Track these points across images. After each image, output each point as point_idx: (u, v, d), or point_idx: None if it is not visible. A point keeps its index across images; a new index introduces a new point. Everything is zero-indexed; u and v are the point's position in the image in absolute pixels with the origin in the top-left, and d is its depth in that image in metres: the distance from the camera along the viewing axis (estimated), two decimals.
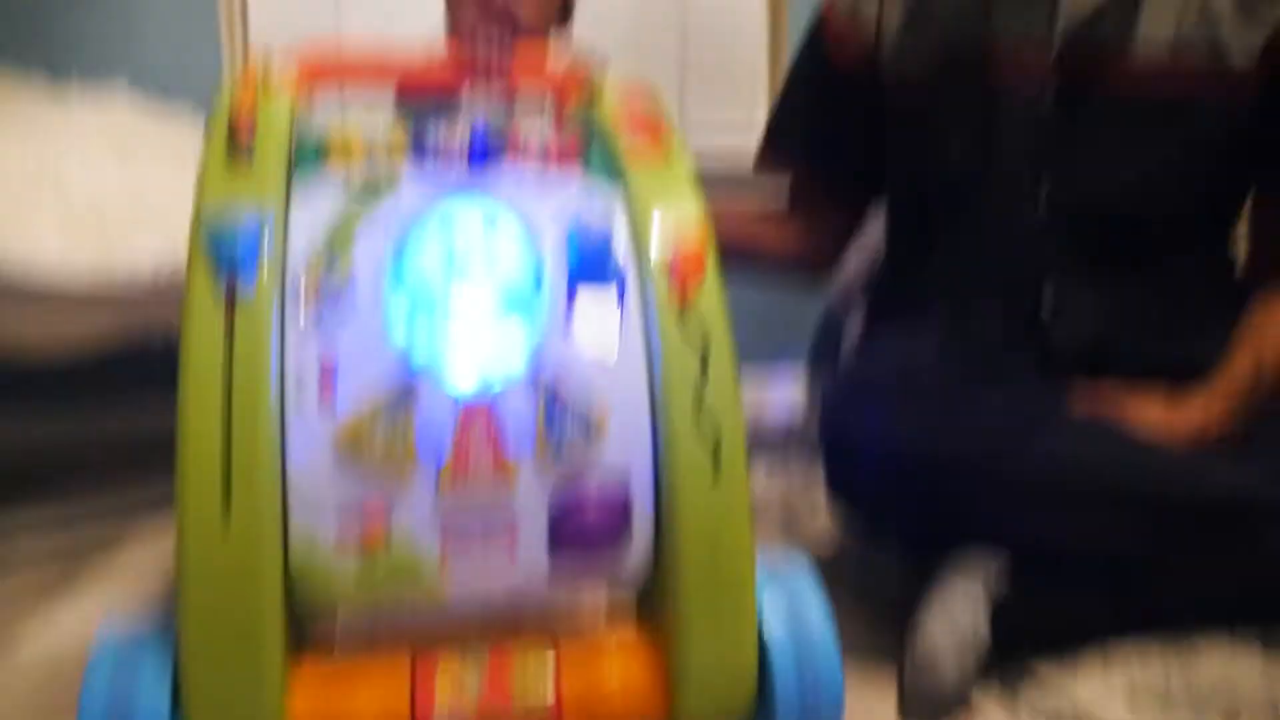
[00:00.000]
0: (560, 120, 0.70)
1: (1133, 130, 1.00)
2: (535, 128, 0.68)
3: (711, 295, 0.61)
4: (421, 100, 1.02)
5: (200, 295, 0.57)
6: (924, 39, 1.09)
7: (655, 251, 0.62)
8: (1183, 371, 0.97)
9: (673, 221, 0.63)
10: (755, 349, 2.08)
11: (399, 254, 0.59)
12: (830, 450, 0.94)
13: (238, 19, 2.07)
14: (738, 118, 2.20)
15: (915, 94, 1.10)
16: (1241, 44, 0.98)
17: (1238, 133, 1.00)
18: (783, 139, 1.24)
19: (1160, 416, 0.92)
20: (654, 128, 0.68)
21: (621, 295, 0.62)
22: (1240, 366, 0.97)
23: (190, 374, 0.56)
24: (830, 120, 1.19)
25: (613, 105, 0.70)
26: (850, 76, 1.15)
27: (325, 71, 0.87)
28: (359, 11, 2.07)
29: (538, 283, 0.60)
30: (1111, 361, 0.99)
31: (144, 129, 1.84)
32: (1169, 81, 0.99)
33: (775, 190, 1.26)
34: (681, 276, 0.61)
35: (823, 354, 1.78)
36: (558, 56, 1.08)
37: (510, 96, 1.00)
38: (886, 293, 1.23)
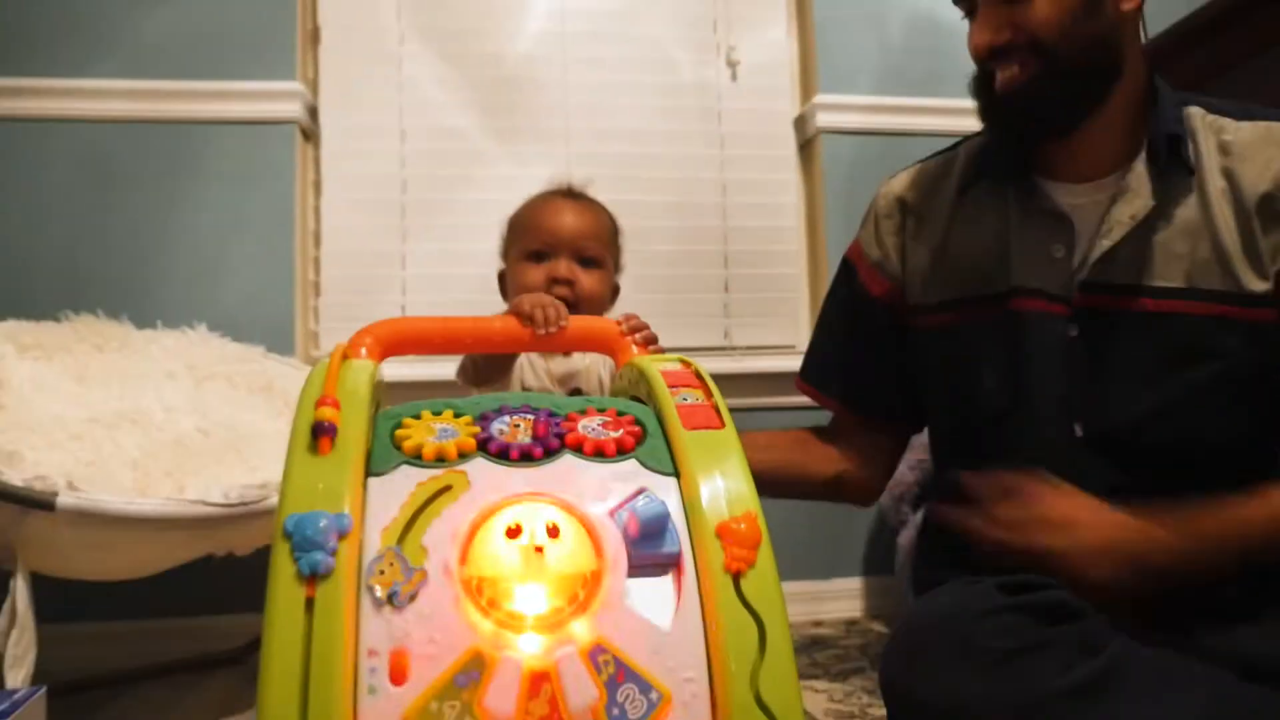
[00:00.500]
0: (614, 412, 0.73)
1: (1158, 362, 1.01)
2: (594, 417, 0.72)
3: (766, 569, 0.63)
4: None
5: (283, 577, 0.59)
6: (948, 283, 1.14)
7: (709, 528, 0.64)
8: (1243, 589, 0.94)
9: (725, 497, 0.65)
10: (809, 563, 2.09)
11: (468, 547, 0.62)
12: (891, 706, 0.92)
13: (311, 267, 2.20)
14: (780, 340, 2.26)
15: (943, 332, 1.14)
16: (1253, 273, 1.00)
17: (1265, 361, 1.00)
18: (819, 371, 1.28)
19: (1070, 512, 0.90)
20: (703, 411, 0.71)
21: (680, 575, 0.63)
22: (1233, 517, 0.93)
23: (272, 653, 0.58)
24: (865, 354, 1.23)
25: (661, 388, 0.74)
26: (882, 312, 1.20)
27: (399, 341, 0.94)
28: (421, 263, 2.19)
29: (598, 567, 0.62)
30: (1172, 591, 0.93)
31: (219, 369, 1.94)
32: (1187, 315, 1.01)
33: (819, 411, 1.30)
34: (735, 552, 0.63)
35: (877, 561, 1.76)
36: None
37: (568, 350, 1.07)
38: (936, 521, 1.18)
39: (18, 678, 1.29)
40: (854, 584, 2.23)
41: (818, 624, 2.14)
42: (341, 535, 0.61)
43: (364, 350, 0.89)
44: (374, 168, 2.21)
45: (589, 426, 0.70)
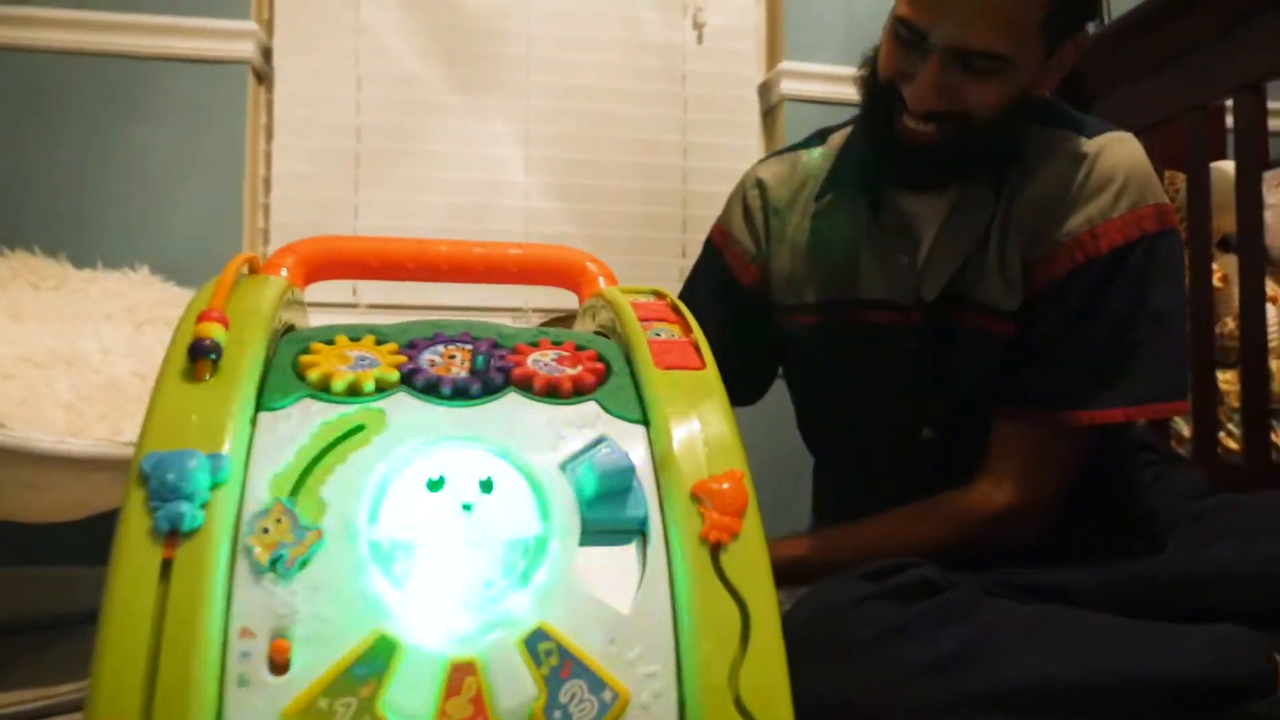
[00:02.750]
0: (572, 345, 0.57)
1: (983, 373, 1.00)
2: (547, 350, 0.55)
3: (753, 541, 0.47)
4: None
5: (134, 531, 0.43)
6: (805, 287, 1.09)
7: (684, 488, 0.48)
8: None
9: (704, 451, 0.50)
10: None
11: (379, 502, 0.45)
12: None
13: (260, 213, 2.01)
14: None
15: (802, 333, 1.10)
16: (1009, 304, 0.98)
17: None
18: None
19: None
20: (680, 349, 0.55)
21: (644, 543, 0.47)
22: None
23: (111, 626, 0.41)
24: (735, 341, 1.12)
25: (630, 320, 0.58)
26: (753, 299, 1.14)
27: (327, 262, 0.77)
28: (374, 213, 2.01)
29: (543, 531, 0.46)
30: None
31: (159, 314, 1.75)
32: (998, 334, 0.99)
33: None
34: (715, 519, 0.47)
35: None
36: None
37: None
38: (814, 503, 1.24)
39: None
40: None
41: None
42: (216, 483, 0.44)
43: (284, 270, 0.72)
44: (328, 114, 2.01)
45: (540, 361, 0.54)
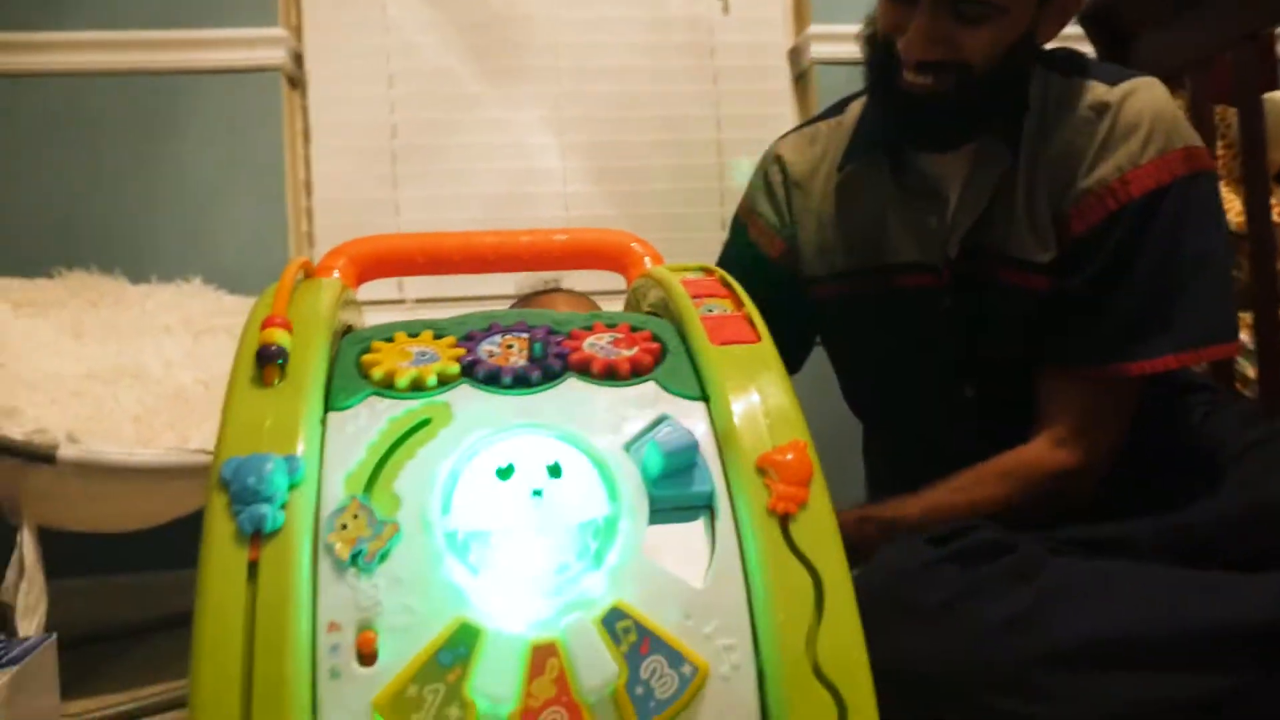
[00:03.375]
0: (627, 327, 0.57)
1: (1019, 325, 0.99)
2: (603, 333, 0.56)
3: (821, 511, 0.47)
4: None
5: (220, 536, 0.44)
6: (835, 256, 1.09)
7: (748, 461, 0.48)
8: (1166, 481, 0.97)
9: (766, 423, 0.50)
10: None
11: (451, 493, 0.46)
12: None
13: (303, 216, 2.03)
14: None
15: (836, 303, 1.10)
16: (1041, 257, 0.97)
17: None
18: None
19: None
20: (734, 323, 0.56)
21: (712, 518, 0.48)
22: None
23: (206, 629, 0.43)
24: (767, 317, 1.13)
25: (683, 298, 0.58)
26: (781, 272, 1.14)
27: (377, 262, 0.78)
28: (415, 209, 2.03)
29: (612, 512, 0.47)
30: None
31: (216, 322, 1.79)
32: (1030, 289, 0.98)
33: None
34: (782, 490, 0.47)
35: None
36: None
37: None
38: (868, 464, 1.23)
39: (30, 627, 1.22)
40: None
41: None
42: (294, 483, 0.45)
43: (336, 273, 0.73)
44: (363, 114, 2.03)
45: (597, 344, 0.55)
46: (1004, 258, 0.98)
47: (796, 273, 1.14)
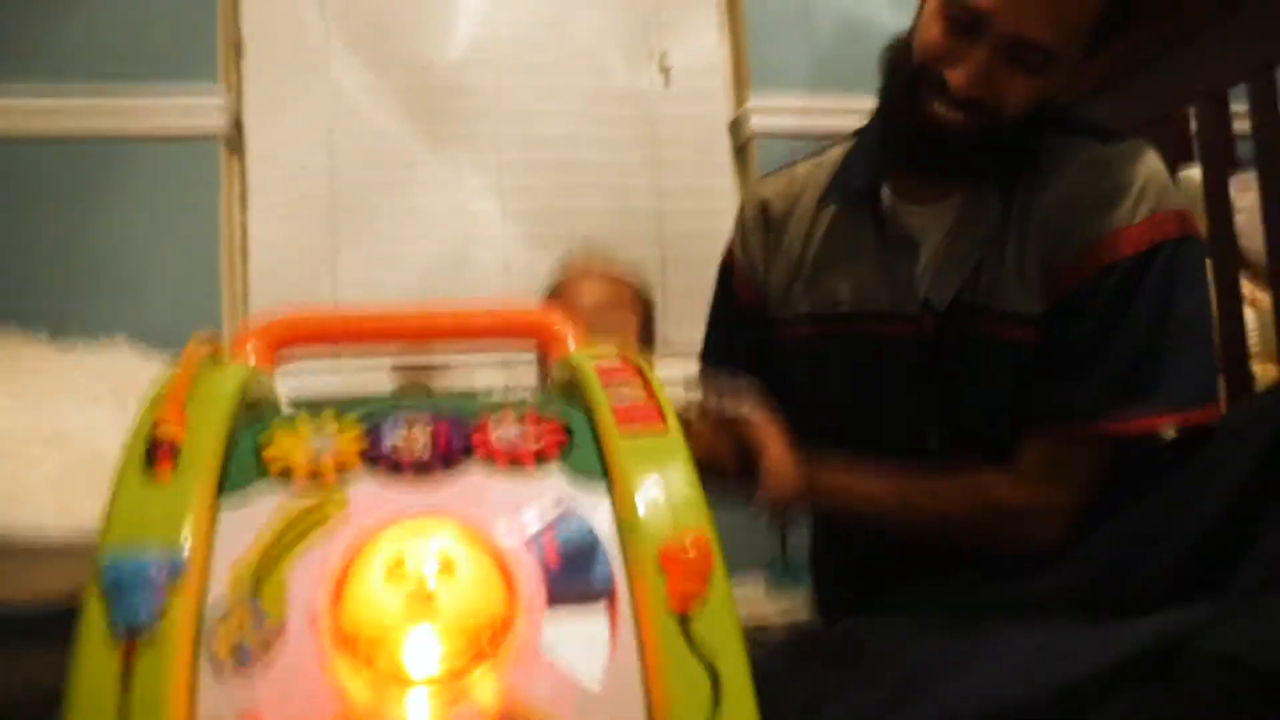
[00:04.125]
0: (534, 415, 0.57)
1: (996, 377, 0.99)
2: (509, 421, 0.55)
3: (719, 607, 0.47)
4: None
5: (92, 637, 0.42)
6: (803, 299, 1.09)
7: (649, 553, 0.48)
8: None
9: (669, 515, 0.49)
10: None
11: (341, 591, 0.45)
12: None
13: (239, 279, 2.01)
14: None
15: (799, 346, 1.10)
16: (1028, 309, 0.98)
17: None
18: (712, 366, 1.21)
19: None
20: (642, 410, 0.55)
21: (613, 611, 0.47)
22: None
23: None
24: (743, 361, 1.15)
25: (593, 384, 0.58)
26: (755, 318, 1.14)
27: (292, 337, 0.77)
28: (353, 271, 2.01)
29: (508, 609, 0.46)
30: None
31: (143, 382, 1.74)
32: (1016, 341, 0.98)
33: None
34: (681, 583, 0.47)
35: None
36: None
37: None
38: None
39: None
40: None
41: None
42: (173, 579, 0.44)
43: (250, 346, 0.72)
44: (302, 176, 2.02)
45: (503, 434, 0.54)
46: (990, 310, 0.98)
47: (768, 320, 1.13)
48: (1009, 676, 0.82)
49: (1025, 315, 0.97)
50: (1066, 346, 0.96)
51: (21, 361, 1.73)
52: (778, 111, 2.11)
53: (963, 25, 0.92)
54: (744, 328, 1.16)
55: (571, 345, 0.77)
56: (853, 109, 2.04)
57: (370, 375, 1.92)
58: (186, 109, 1.93)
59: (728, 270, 1.20)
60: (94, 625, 0.42)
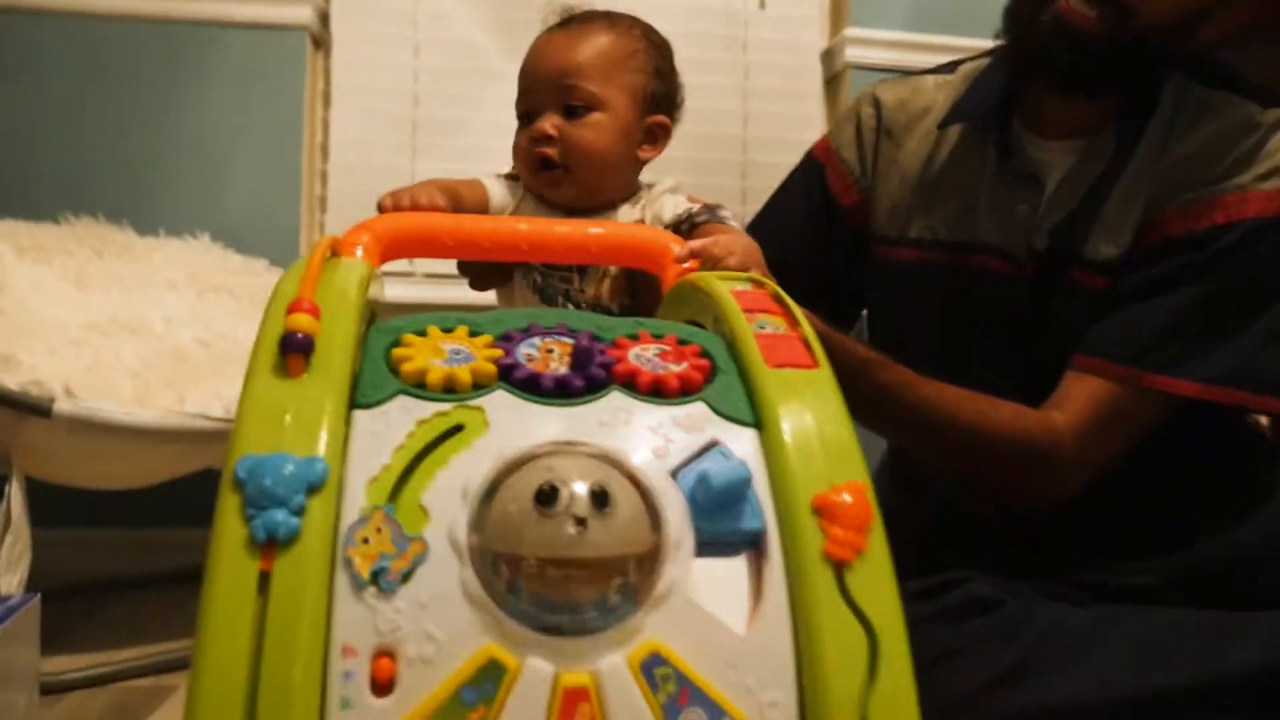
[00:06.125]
0: (674, 339, 0.53)
1: (1073, 316, 0.92)
2: (648, 341, 0.52)
3: (879, 561, 0.43)
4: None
5: (230, 541, 0.40)
6: (913, 220, 1.02)
7: (803, 499, 0.44)
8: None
9: (824, 460, 0.46)
10: None
11: (484, 512, 0.42)
12: None
13: (317, 181, 1.98)
14: None
15: (899, 267, 1.03)
16: (1110, 253, 0.91)
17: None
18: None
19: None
20: (789, 344, 0.52)
21: (761, 559, 0.44)
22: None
23: (209, 641, 0.39)
24: (827, 268, 1.08)
25: (735, 312, 0.54)
26: (848, 224, 1.07)
27: (404, 242, 0.74)
28: (431, 175, 1.97)
29: (656, 545, 0.43)
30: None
31: (221, 281, 1.74)
32: (1108, 274, 0.91)
33: None
34: (839, 535, 0.43)
35: None
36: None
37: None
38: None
39: (12, 583, 1.18)
40: None
41: None
42: (312, 488, 0.41)
43: (360, 250, 0.69)
44: (386, 81, 1.97)
45: (643, 356, 0.51)
46: (1078, 257, 0.92)
47: (863, 226, 1.06)
48: (1129, 664, 0.78)
49: (1104, 261, 0.90)
50: (1136, 285, 0.88)
51: (106, 249, 1.73)
52: (874, 44, 2.01)
53: None
54: (827, 228, 1.08)
55: (676, 249, 0.73)
56: (953, 46, 1.95)
57: (447, 288, 1.90)
58: None
59: (816, 163, 1.11)
60: (230, 530, 0.40)
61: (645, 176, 0.98)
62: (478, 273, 0.91)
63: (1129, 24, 0.86)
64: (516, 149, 0.92)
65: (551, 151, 0.88)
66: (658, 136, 0.94)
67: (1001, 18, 0.97)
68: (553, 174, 0.89)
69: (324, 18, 1.96)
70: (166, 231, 1.77)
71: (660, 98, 0.94)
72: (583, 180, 0.89)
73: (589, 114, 0.89)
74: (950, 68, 1.08)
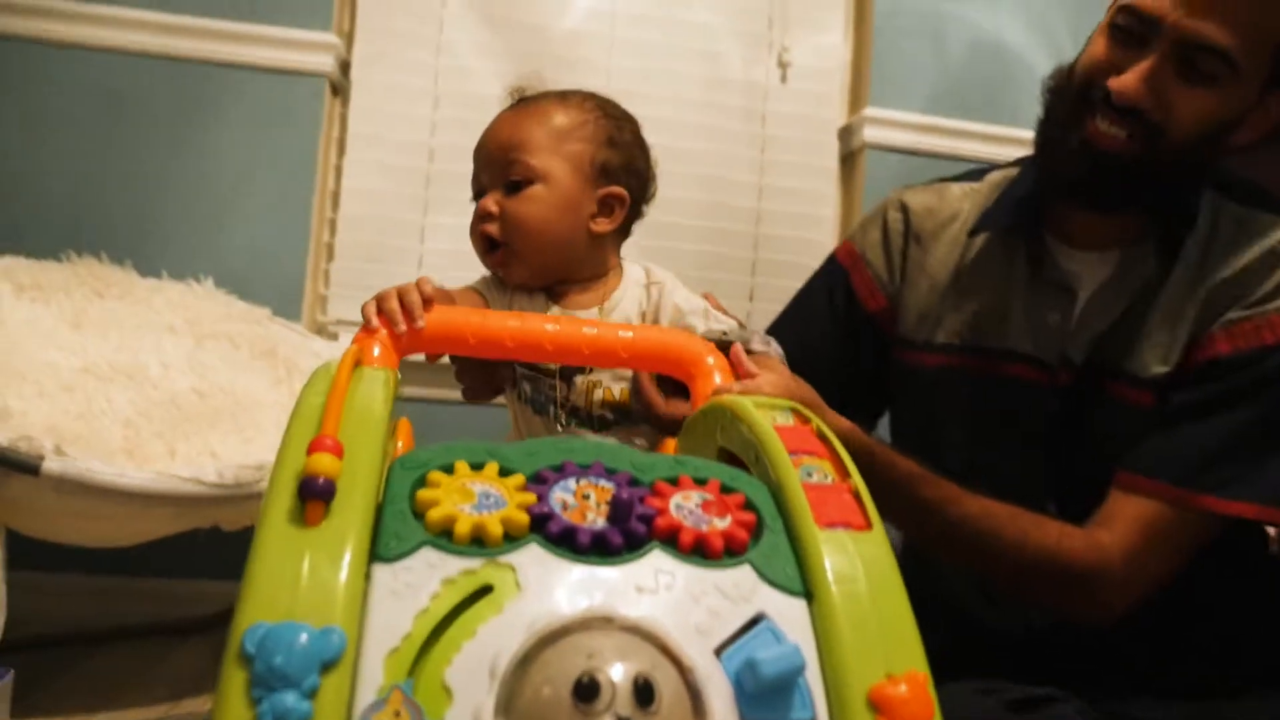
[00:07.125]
0: (717, 488, 0.50)
1: (1115, 430, 0.90)
2: (689, 488, 0.48)
3: None
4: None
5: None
6: (943, 326, 1.00)
7: (858, 689, 0.41)
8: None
9: (880, 644, 0.42)
10: None
11: (513, 694, 0.38)
12: None
13: (326, 229, 1.95)
14: None
15: (928, 374, 1.01)
16: (1155, 371, 0.90)
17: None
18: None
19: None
20: (839, 499, 0.48)
21: None
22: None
23: None
24: (850, 372, 1.06)
25: (781, 457, 0.51)
26: (874, 330, 1.06)
27: (426, 339, 0.71)
28: (441, 237, 1.95)
29: None
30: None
31: (221, 328, 1.71)
32: (1154, 391, 0.89)
33: None
34: None
35: None
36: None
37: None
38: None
39: None
40: None
41: None
42: (327, 666, 0.37)
43: (376, 348, 0.65)
44: (403, 133, 1.96)
45: (684, 507, 0.47)
46: (1119, 371, 0.91)
47: (890, 330, 1.05)
48: None
49: (1148, 378, 0.89)
50: (1185, 406, 0.87)
51: (107, 291, 1.70)
52: (893, 125, 2.00)
53: (1132, 35, 0.85)
54: (852, 333, 1.06)
55: (718, 381, 0.70)
56: (972, 132, 1.96)
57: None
58: (296, 43, 1.87)
59: (840, 268, 1.09)
60: (235, 713, 0.36)
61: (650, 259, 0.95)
62: (478, 382, 0.89)
63: (1159, 142, 0.85)
64: (470, 231, 0.90)
65: (492, 229, 0.87)
66: (613, 208, 0.89)
67: (1035, 141, 0.96)
68: (498, 254, 0.87)
69: (344, 66, 1.94)
70: (170, 274, 1.74)
71: (614, 169, 0.89)
72: (528, 257, 0.87)
73: (528, 187, 0.86)
74: (976, 175, 1.07)
